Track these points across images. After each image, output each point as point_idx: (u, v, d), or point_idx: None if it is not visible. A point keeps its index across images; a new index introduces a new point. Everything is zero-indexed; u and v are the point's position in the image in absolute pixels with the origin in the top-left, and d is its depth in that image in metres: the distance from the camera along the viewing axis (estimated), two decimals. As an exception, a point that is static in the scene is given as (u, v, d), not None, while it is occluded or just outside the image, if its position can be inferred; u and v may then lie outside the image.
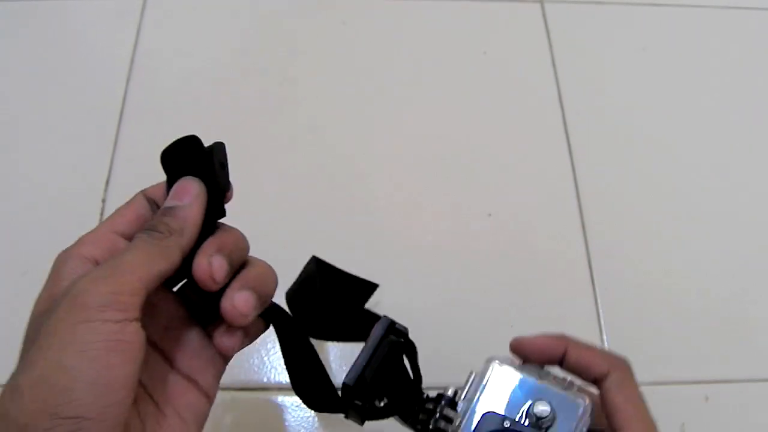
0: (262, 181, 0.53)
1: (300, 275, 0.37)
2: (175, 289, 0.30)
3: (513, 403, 0.30)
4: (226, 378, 0.30)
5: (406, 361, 0.33)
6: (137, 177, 0.52)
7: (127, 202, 0.29)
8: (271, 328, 0.31)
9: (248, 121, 0.56)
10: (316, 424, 0.44)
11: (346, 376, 0.30)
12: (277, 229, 0.51)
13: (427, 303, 0.49)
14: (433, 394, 0.32)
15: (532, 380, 0.30)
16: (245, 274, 0.28)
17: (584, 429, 0.29)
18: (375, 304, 0.48)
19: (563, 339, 0.32)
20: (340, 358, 0.45)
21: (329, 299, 0.37)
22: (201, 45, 0.60)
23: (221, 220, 0.29)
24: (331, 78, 0.59)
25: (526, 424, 0.29)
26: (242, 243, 0.29)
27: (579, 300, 0.50)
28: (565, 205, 0.54)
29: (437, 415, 0.31)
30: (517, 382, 0.30)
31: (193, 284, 0.26)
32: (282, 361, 0.32)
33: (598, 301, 0.50)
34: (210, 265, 0.26)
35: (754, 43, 0.64)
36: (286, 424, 0.44)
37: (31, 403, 0.21)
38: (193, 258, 0.26)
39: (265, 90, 0.58)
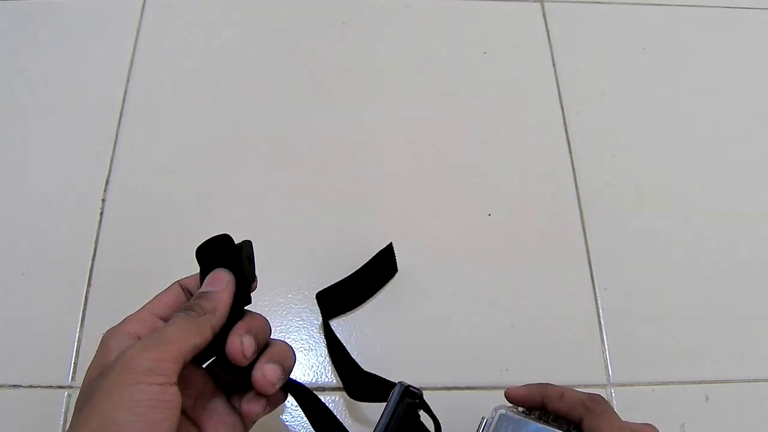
0: (262, 180, 0.53)
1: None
2: (205, 365, 0.35)
3: None
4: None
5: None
6: (137, 177, 0.53)
7: (165, 290, 0.34)
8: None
9: (248, 121, 0.56)
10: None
11: None
12: (277, 229, 0.51)
13: (425, 303, 0.49)
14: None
15: (535, 425, 0.35)
16: (271, 351, 0.33)
17: None
18: (370, 309, 0.48)
19: (541, 389, 0.36)
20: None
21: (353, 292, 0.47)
22: (200, 45, 0.60)
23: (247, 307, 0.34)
24: (331, 78, 0.59)
25: None
26: (266, 326, 0.35)
27: (579, 300, 0.50)
28: (565, 204, 0.54)
29: None
30: (522, 427, 0.35)
31: (222, 360, 0.32)
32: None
33: (599, 301, 0.50)
34: (242, 344, 0.31)
35: (755, 43, 0.64)
36: (286, 424, 0.44)
37: None
38: (225, 337, 0.31)
39: (265, 90, 0.58)
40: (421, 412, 0.39)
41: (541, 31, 0.63)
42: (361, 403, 0.44)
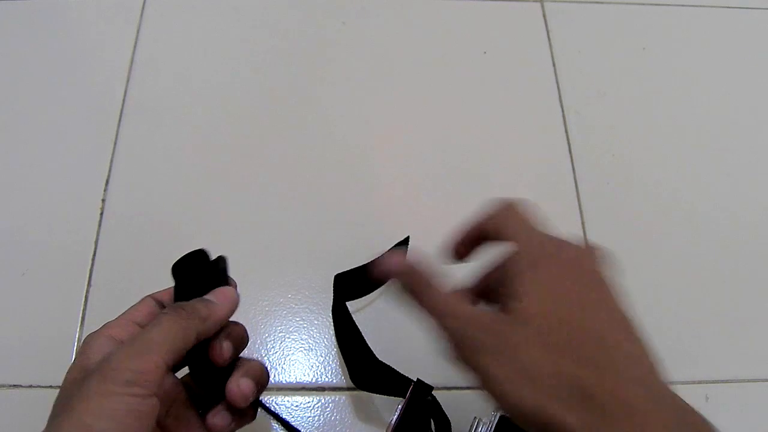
0: (262, 179, 0.53)
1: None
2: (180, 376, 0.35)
3: None
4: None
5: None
6: (137, 177, 0.53)
7: (138, 303, 0.34)
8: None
9: (248, 120, 0.56)
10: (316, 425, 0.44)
11: None
12: (277, 228, 0.51)
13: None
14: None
15: None
16: (247, 366, 0.34)
17: None
18: (372, 302, 0.48)
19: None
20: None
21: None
22: (200, 45, 0.60)
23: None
24: (331, 78, 0.59)
25: None
26: (245, 335, 0.35)
27: (579, 300, 0.50)
28: (565, 204, 0.54)
29: None
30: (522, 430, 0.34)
31: (198, 368, 0.33)
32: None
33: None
34: (221, 347, 0.32)
35: (755, 43, 0.64)
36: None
37: None
38: (205, 345, 0.32)
39: (265, 89, 0.58)
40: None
41: (541, 31, 0.63)
42: (362, 404, 0.44)
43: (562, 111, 0.59)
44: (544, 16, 0.64)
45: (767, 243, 0.54)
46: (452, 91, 0.59)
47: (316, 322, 0.47)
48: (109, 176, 0.53)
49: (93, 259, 0.49)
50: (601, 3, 0.66)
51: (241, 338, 0.34)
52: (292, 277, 0.49)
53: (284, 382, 0.45)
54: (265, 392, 0.35)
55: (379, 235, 0.50)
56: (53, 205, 0.51)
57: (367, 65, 0.60)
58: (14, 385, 0.44)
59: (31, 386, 0.44)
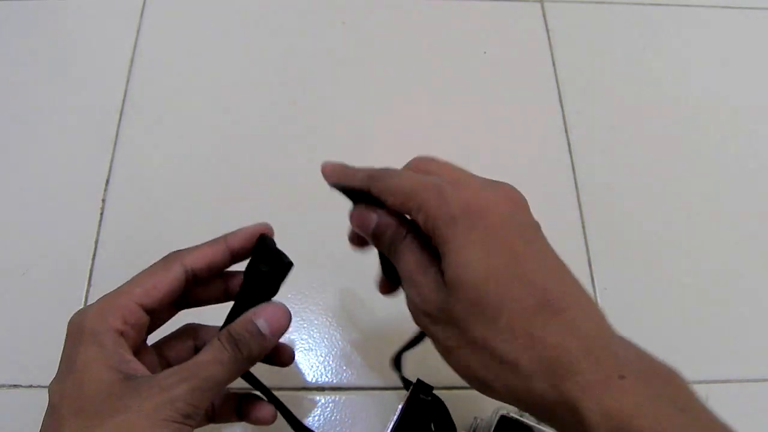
0: (262, 179, 0.53)
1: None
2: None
3: None
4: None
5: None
6: (137, 177, 0.53)
7: (160, 267, 0.31)
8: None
9: (248, 120, 0.56)
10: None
11: None
12: (277, 228, 0.51)
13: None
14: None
15: (537, 428, 0.34)
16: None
17: None
18: (373, 302, 0.48)
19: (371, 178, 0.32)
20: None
21: None
22: (200, 45, 0.60)
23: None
24: (331, 78, 0.59)
25: None
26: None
27: (579, 300, 0.50)
28: (566, 204, 0.54)
29: None
30: (522, 430, 0.34)
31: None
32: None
33: (598, 301, 0.50)
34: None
35: (755, 43, 0.64)
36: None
37: None
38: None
39: (265, 89, 0.58)
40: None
41: (541, 31, 0.63)
42: (362, 404, 0.43)
43: (562, 111, 0.59)
44: (544, 16, 0.64)
45: None
46: (452, 91, 0.59)
47: (316, 322, 0.47)
48: (109, 176, 0.53)
49: (93, 259, 0.49)
50: (601, 3, 0.66)
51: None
52: (293, 277, 0.49)
53: (284, 382, 0.45)
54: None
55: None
56: (53, 206, 0.51)
57: (367, 65, 0.60)
58: (14, 385, 0.44)
59: (31, 386, 0.44)
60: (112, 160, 0.53)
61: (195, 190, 0.52)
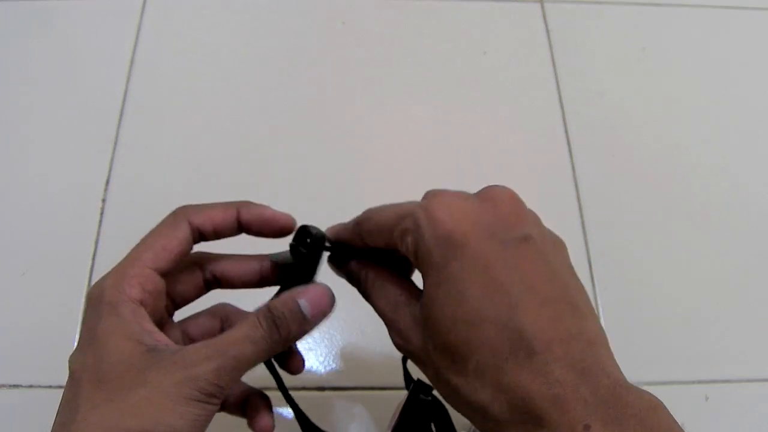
0: (262, 179, 0.53)
1: None
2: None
3: None
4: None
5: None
6: (137, 177, 0.53)
7: (168, 226, 0.30)
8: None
9: (247, 120, 0.56)
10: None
11: None
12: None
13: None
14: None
15: None
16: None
17: None
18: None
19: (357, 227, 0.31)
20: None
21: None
22: (200, 45, 0.60)
23: None
24: (331, 78, 0.59)
25: None
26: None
27: (579, 300, 0.50)
28: (565, 205, 0.54)
29: None
30: None
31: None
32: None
33: (598, 300, 0.50)
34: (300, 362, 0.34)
35: (755, 43, 0.64)
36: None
37: None
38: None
39: (265, 89, 0.58)
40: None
41: (541, 31, 0.63)
42: (362, 404, 0.44)
43: (562, 111, 0.59)
44: (544, 16, 0.64)
45: None
46: (452, 91, 0.59)
47: (316, 322, 0.47)
48: (109, 176, 0.53)
49: (93, 259, 0.49)
50: (601, 3, 0.66)
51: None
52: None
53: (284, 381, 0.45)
54: (265, 392, 0.35)
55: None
56: (53, 205, 0.51)
57: (366, 65, 0.60)
58: (14, 385, 0.44)
59: (31, 386, 0.44)
60: (112, 160, 0.53)
61: (195, 190, 0.52)
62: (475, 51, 0.62)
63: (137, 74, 0.58)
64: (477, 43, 0.62)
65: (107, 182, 0.52)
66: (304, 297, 0.28)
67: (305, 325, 0.28)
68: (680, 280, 0.51)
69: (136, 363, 0.25)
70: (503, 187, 0.27)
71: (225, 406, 0.33)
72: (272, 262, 0.32)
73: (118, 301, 0.27)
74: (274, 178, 0.53)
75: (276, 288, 0.32)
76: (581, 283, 0.26)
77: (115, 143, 0.54)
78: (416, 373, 0.40)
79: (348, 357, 0.46)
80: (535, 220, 0.27)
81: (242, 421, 0.33)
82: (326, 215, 0.53)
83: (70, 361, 0.27)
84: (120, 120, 0.55)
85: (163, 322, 0.30)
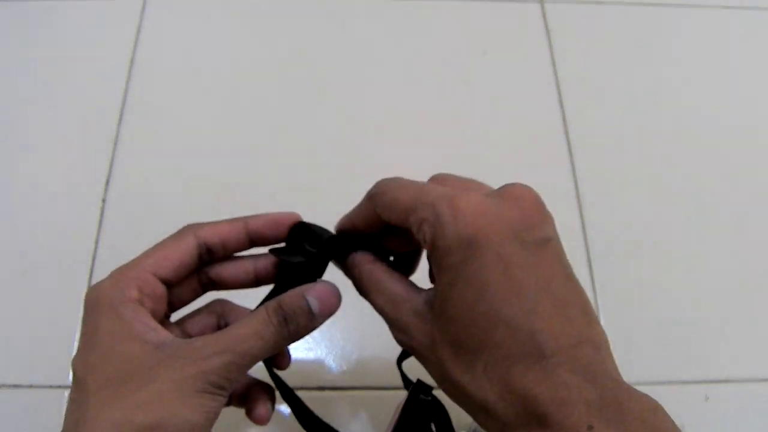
0: (262, 179, 0.53)
1: None
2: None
3: None
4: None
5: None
6: (137, 176, 0.53)
7: (173, 239, 0.30)
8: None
9: (247, 121, 0.56)
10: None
11: None
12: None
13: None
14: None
15: None
16: None
17: None
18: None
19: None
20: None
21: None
22: (200, 45, 0.60)
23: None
24: (330, 78, 0.59)
25: None
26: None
27: (579, 300, 0.50)
28: (566, 204, 0.54)
29: None
30: None
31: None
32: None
33: (598, 301, 0.50)
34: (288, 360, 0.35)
35: (755, 43, 0.64)
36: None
37: None
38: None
39: (265, 89, 0.58)
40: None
41: (541, 31, 0.63)
42: (362, 404, 0.44)
43: (562, 111, 0.59)
44: (544, 16, 0.64)
45: None
46: (452, 91, 0.59)
47: (316, 322, 0.47)
48: (109, 176, 0.53)
49: (93, 259, 0.49)
50: (601, 3, 0.66)
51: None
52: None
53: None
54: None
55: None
56: (53, 205, 0.51)
57: (366, 66, 0.60)
58: (14, 385, 0.44)
59: (31, 386, 0.44)
60: (112, 160, 0.53)
61: (195, 190, 0.52)
62: (475, 51, 0.62)
63: (137, 74, 0.58)
64: (477, 43, 0.62)
65: (107, 182, 0.52)
66: (312, 294, 0.28)
67: (313, 322, 0.28)
68: (680, 280, 0.51)
69: (144, 361, 0.25)
70: (526, 187, 0.27)
71: (231, 399, 0.33)
72: (279, 259, 0.32)
73: (117, 302, 0.27)
74: (275, 178, 0.53)
75: (270, 287, 0.32)
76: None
77: (115, 143, 0.54)
78: (413, 374, 0.40)
79: (348, 357, 0.46)
80: (553, 221, 0.27)
81: (242, 419, 0.33)
82: (326, 215, 0.54)
83: (73, 365, 0.27)
84: (120, 120, 0.55)
85: (161, 324, 0.30)
